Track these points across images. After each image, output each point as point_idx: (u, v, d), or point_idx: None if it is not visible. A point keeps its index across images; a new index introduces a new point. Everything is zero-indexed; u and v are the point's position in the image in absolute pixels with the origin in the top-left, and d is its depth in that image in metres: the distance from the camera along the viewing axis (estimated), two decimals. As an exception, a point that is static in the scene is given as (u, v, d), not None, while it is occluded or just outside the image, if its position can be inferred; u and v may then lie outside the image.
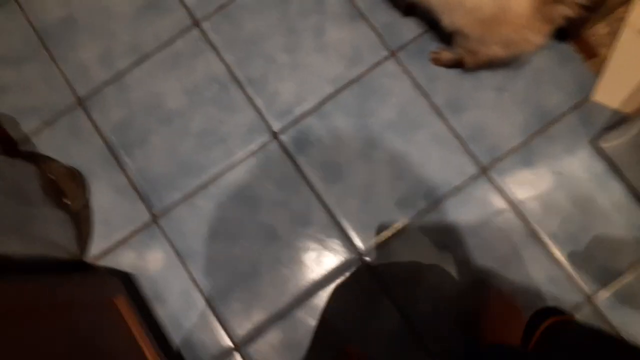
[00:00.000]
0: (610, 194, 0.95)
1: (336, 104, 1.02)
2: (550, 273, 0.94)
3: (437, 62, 1.01)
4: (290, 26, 1.04)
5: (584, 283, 0.93)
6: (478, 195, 0.97)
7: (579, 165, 0.97)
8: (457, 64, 0.97)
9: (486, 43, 0.85)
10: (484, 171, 0.98)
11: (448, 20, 0.83)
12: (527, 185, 0.97)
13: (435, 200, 0.97)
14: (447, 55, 0.97)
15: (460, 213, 0.96)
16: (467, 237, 0.96)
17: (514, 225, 0.95)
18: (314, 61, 1.03)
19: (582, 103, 0.99)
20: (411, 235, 0.95)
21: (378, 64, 1.02)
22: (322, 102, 1.02)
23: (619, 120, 0.97)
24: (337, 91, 1.02)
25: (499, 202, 0.96)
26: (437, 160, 0.99)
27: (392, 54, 1.03)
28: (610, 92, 0.99)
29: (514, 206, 0.96)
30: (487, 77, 1.00)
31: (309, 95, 1.02)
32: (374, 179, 0.98)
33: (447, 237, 0.96)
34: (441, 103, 1.00)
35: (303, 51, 1.03)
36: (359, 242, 0.97)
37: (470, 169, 0.98)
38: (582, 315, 0.92)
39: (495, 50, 0.83)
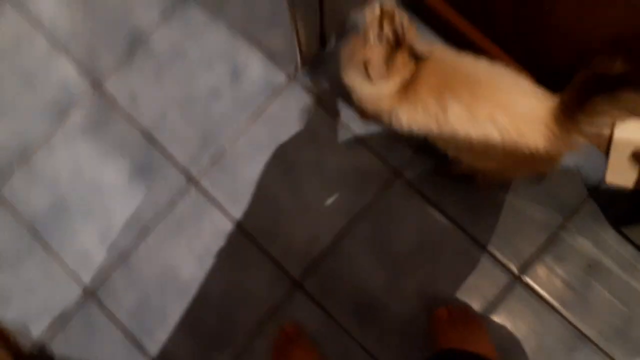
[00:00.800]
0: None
1: (352, 237, 0.99)
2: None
3: (444, 173, 0.98)
4: (289, 165, 1.01)
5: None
6: (515, 307, 0.94)
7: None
8: (465, 178, 0.94)
9: (502, 171, 0.83)
10: (516, 277, 0.96)
11: (462, 158, 0.81)
12: (559, 282, 0.94)
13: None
14: (454, 169, 0.93)
15: (509, 326, 0.93)
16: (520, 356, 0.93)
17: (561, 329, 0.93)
18: (320, 196, 0.99)
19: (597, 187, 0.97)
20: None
21: (385, 187, 0.99)
22: (339, 238, 0.98)
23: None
24: (351, 223, 0.98)
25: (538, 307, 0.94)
26: (468, 279, 0.96)
27: (397, 174, 1.00)
28: (621, 172, 0.98)
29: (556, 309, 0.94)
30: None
31: (324, 234, 0.99)
32: (409, 312, 0.95)
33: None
34: (456, 214, 0.98)
35: (307, 188, 1.00)
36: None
37: (503, 279, 0.96)
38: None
39: (513, 173, 0.81)
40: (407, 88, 0.76)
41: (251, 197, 1.01)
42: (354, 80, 0.79)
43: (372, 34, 0.71)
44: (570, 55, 0.80)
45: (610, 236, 0.95)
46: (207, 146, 1.02)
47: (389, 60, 0.72)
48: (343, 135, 1.02)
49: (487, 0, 0.83)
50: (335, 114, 1.01)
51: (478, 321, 0.91)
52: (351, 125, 1.01)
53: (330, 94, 1.02)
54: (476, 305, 0.95)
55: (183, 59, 1.05)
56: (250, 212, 1.01)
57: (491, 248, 0.97)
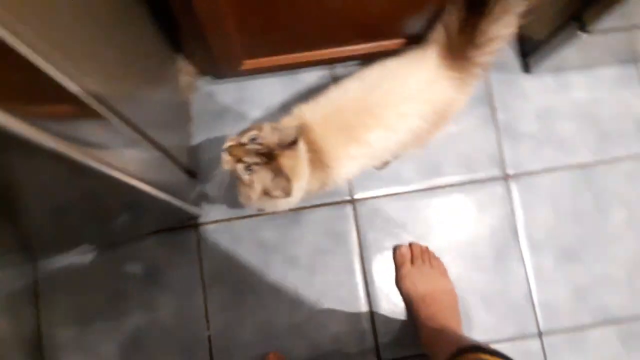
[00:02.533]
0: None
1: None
2: None
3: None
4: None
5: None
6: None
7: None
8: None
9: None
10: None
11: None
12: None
13: None
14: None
15: None
16: None
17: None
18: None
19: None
20: None
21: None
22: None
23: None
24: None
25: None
26: None
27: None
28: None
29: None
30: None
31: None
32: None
33: None
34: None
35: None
36: None
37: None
38: None
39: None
40: (318, 159, 0.72)
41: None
42: (274, 205, 0.73)
43: (244, 175, 0.66)
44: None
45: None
46: None
47: (279, 172, 0.63)
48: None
49: (287, 25, 0.74)
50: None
51: (438, 260, 0.92)
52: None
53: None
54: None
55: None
56: None
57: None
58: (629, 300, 0.93)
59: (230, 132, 0.95)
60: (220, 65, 0.84)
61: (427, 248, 0.92)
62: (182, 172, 0.85)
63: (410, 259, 0.91)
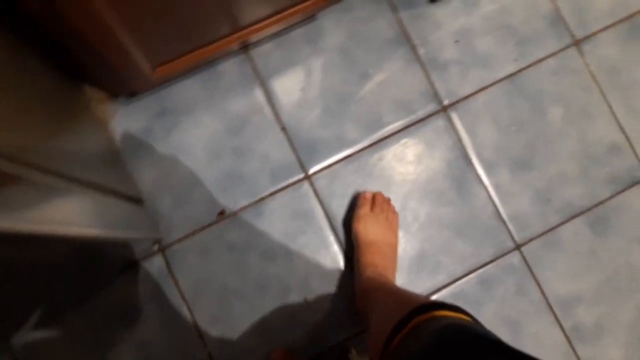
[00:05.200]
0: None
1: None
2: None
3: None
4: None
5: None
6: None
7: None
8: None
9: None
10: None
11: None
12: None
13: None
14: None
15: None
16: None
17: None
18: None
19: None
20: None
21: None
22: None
23: None
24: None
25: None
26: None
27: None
28: None
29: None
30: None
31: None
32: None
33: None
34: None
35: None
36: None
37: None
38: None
39: None
40: None
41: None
42: None
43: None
44: None
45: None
46: None
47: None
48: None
49: (183, 22, 0.70)
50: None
51: (396, 215, 0.93)
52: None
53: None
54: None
55: None
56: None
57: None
58: (587, 189, 0.97)
59: (161, 148, 0.91)
60: (130, 82, 0.80)
61: (389, 200, 0.93)
62: (126, 203, 0.81)
63: (371, 205, 0.91)
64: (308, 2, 0.82)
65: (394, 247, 0.90)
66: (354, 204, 0.93)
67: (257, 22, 0.84)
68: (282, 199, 0.93)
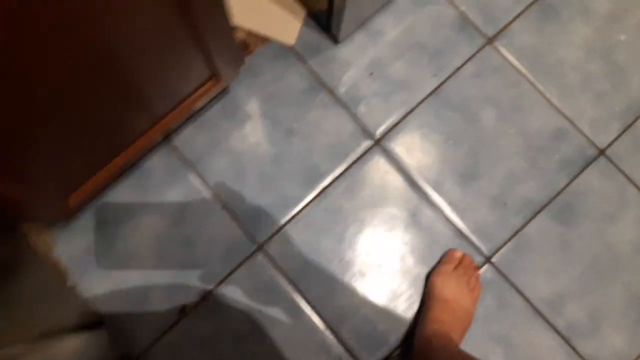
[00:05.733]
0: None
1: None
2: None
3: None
4: None
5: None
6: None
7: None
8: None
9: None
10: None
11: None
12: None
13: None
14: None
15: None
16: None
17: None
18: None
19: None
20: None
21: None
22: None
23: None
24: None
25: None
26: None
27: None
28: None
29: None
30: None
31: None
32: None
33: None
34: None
35: None
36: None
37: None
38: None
39: None
40: None
41: None
42: None
43: None
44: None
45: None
46: None
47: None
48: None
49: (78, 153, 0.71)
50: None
51: (479, 285, 0.90)
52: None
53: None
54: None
55: None
56: None
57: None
58: (542, 182, 0.94)
59: (108, 262, 0.91)
60: (54, 212, 0.80)
61: (477, 267, 0.91)
62: (86, 334, 0.80)
63: (457, 264, 0.89)
64: (206, 87, 0.83)
65: (467, 312, 0.85)
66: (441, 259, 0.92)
67: (164, 116, 0.84)
68: (240, 277, 0.91)
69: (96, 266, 0.90)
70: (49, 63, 0.48)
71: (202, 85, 0.84)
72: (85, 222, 0.92)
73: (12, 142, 0.56)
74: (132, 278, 0.90)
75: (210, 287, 0.91)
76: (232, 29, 0.73)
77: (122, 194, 0.93)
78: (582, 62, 0.99)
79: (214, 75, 0.84)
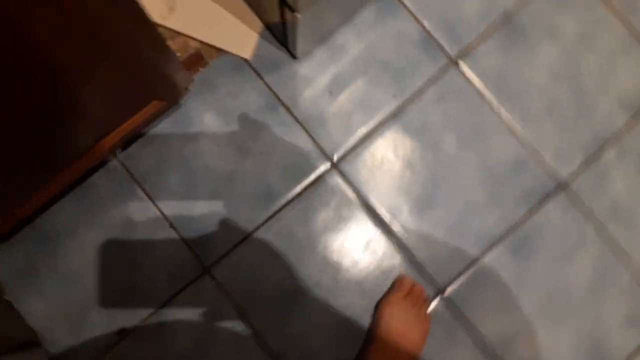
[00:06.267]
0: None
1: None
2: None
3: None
4: None
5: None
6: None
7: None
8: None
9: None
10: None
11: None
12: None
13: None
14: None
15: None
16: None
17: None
18: None
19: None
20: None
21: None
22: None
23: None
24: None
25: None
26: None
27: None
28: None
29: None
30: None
31: None
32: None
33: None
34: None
35: None
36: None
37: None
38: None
39: None
40: None
41: None
42: None
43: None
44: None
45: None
46: None
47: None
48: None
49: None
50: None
51: (428, 318, 0.87)
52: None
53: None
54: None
55: None
56: None
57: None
58: (499, 214, 0.91)
59: (48, 279, 0.87)
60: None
61: (427, 300, 0.88)
62: (23, 351, 0.77)
63: (407, 293, 0.86)
64: (145, 109, 0.79)
65: (415, 346, 0.82)
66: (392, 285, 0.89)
67: (109, 131, 0.80)
68: (185, 300, 0.88)
69: (35, 285, 0.87)
70: None
71: (147, 103, 0.80)
72: (25, 237, 0.88)
73: None
74: (71, 297, 0.87)
75: (152, 309, 0.88)
76: (171, 56, 0.69)
77: (65, 210, 0.89)
78: (548, 86, 0.95)
79: (158, 97, 0.80)
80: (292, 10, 0.74)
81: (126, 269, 0.88)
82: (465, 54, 0.95)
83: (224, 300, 0.88)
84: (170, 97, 0.81)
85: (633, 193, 0.94)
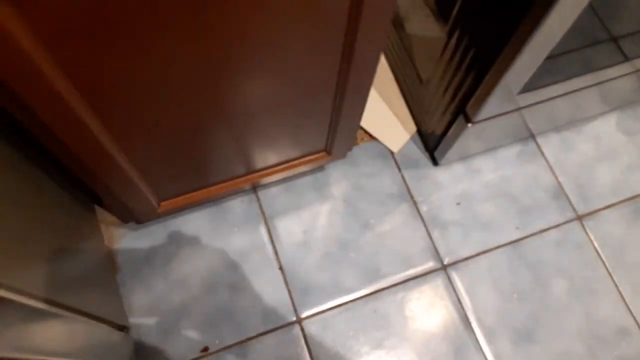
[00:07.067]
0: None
1: None
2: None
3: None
4: None
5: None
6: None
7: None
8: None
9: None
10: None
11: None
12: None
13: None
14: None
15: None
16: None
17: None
18: None
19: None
20: None
21: None
22: None
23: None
24: None
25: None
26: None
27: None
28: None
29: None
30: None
31: None
32: None
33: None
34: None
35: None
36: None
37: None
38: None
39: None
40: None
41: None
42: None
43: None
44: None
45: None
46: None
47: None
48: None
49: (190, 166, 0.76)
50: None
51: None
52: None
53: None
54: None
55: None
56: None
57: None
58: (595, 371, 0.90)
59: (158, 275, 0.92)
60: (137, 212, 0.85)
61: None
62: (112, 331, 0.80)
63: None
64: (315, 156, 0.89)
65: None
66: None
67: (266, 168, 0.90)
68: (269, 341, 0.89)
69: (145, 275, 0.92)
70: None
71: (311, 154, 0.91)
72: (154, 232, 0.95)
73: (157, 128, 0.63)
74: (172, 300, 0.91)
75: (238, 339, 0.89)
76: (363, 109, 0.80)
77: (196, 220, 0.97)
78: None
79: (325, 150, 0.90)
80: (468, 120, 0.86)
81: (228, 293, 0.92)
82: (590, 215, 1.02)
83: (305, 354, 0.89)
84: (334, 154, 0.91)
85: None
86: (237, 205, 0.99)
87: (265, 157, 0.87)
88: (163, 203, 0.85)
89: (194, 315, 0.90)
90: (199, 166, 0.79)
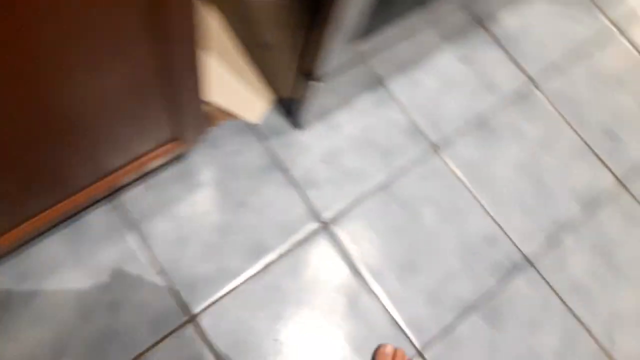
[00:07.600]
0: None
1: None
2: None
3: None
4: None
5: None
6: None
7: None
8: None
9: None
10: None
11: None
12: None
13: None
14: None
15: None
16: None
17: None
18: None
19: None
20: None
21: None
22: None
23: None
24: None
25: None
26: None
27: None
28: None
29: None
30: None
31: None
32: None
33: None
34: None
35: None
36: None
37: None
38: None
39: None
40: None
41: None
42: None
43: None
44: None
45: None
46: None
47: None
48: None
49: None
50: None
51: None
52: None
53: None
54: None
55: None
56: None
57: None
58: (474, 283, 0.99)
59: (22, 320, 0.82)
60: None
61: None
62: None
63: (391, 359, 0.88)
64: (166, 147, 0.84)
65: None
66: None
67: (116, 169, 0.83)
68: (165, 349, 0.85)
69: (6, 323, 0.82)
70: None
71: (160, 145, 0.85)
72: (4, 271, 0.84)
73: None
74: (46, 340, 0.82)
75: (130, 357, 0.83)
76: (202, 92, 0.77)
77: (51, 246, 0.87)
78: (513, 179, 1.10)
79: (175, 138, 0.85)
80: (317, 79, 0.86)
81: (107, 313, 0.85)
82: (444, 144, 1.10)
83: (206, 350, 0.86)
84: (187, 140, 0.86)
85: (590, 273, 1.06)
86: (97, 218, 0.91)
87: (110, 158, 0.79)
88: (2, 238, 0.75)
89: (73, 349, 0.82)
90: (37, 182, 0.70)
